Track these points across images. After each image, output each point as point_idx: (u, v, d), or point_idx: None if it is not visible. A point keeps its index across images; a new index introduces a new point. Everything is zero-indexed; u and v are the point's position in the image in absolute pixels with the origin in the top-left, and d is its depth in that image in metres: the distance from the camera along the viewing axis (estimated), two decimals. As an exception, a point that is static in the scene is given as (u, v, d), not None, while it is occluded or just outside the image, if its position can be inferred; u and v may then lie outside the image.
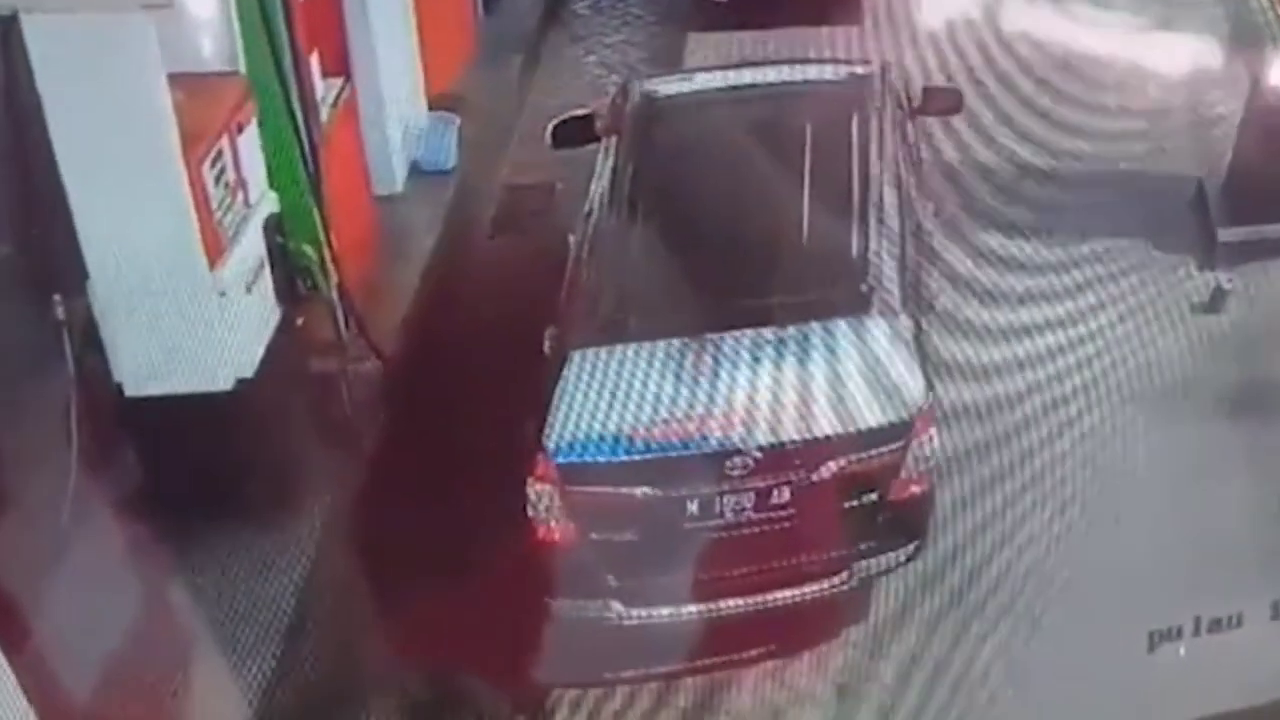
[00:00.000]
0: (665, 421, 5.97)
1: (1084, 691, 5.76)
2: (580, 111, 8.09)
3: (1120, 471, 6.72)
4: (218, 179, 6.55)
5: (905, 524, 6.13)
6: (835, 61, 8.34)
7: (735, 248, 6.54)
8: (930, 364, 6.47)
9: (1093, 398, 7.13)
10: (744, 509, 5.94)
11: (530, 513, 5.98)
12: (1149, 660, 5.77)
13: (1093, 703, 5.71)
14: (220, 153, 6.59)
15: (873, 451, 5.96)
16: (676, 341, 6.23)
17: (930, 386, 6.25)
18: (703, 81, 7.86)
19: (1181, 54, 9.07)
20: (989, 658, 6.02)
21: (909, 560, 6.18)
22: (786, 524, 5.97)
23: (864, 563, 6.09)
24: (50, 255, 6.12)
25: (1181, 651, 5.77)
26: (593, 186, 7.24)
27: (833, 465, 5.92)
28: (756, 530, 5.97)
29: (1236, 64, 8.89)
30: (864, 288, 6.42)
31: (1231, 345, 7.36)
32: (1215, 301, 7.64)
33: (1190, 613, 5.78)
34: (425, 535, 6.29)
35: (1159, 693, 5.65)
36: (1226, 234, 7.93)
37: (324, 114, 7.82)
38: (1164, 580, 6.10)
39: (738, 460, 5.89)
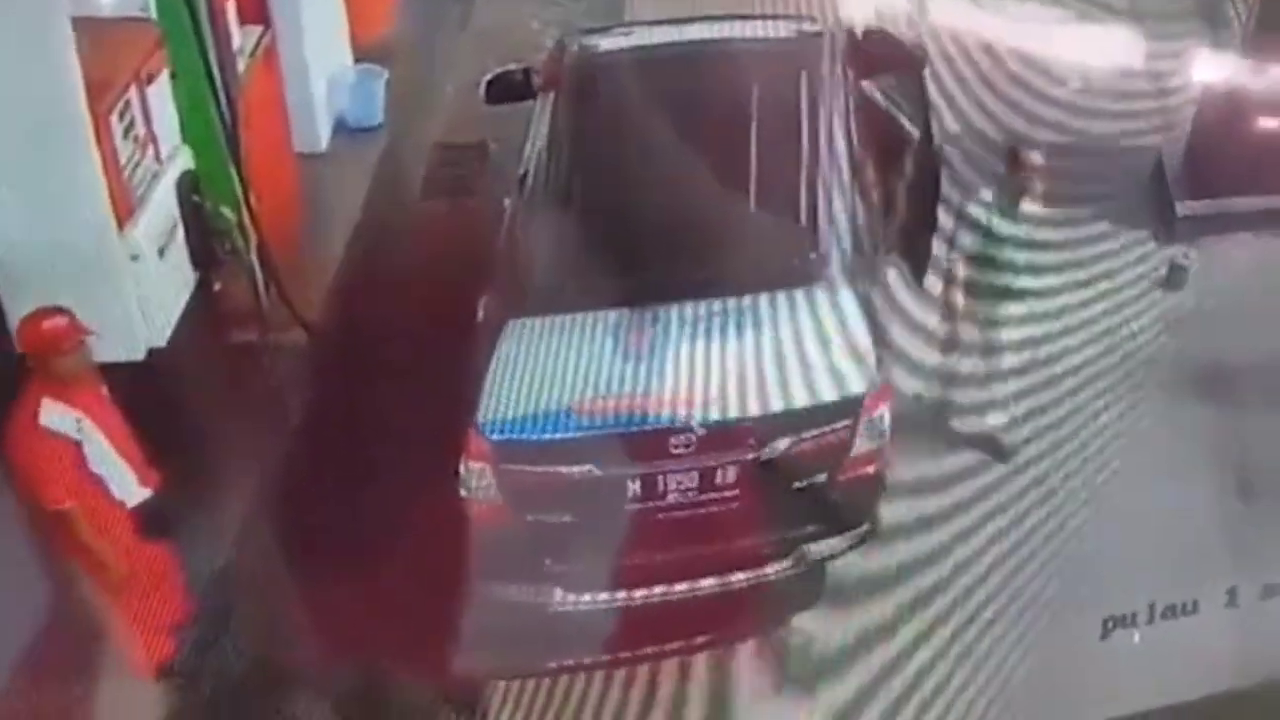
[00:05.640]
0: (606, 397, 5.96)
1: (1035, 679, 5.85)
2: (515, 66, 8.02)
3: (1075, 454, 6.80)
4: (126, 133, 6.47)
5: (855, 505, 6.15)
6: (784, 18, 8.29)
7: (678, 214, 6.51)
8: (882, 337, 6.47)
9: (1048, 376, 7.17)
10: (688, 489, 5.93)
11: (463, 493, 5.93)
12: (1103, 647, 5.86)
13: (1044, 691, 5.80)
14: (129, 104, 6.50)
15: (821, 429, 5.97)
16: (617, 312, 6.22)
17: (881, 361, 6.25)
18: (645, 37, 7.80)
19: (1140, 29, 9.14)
20: (940, 645, 6.07)
21: (860, 543, 6.20)
22: (732, 505, 5.97)
23: (812, 546, 6.10)
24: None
25: (1136, 639, 5.86)
26: (528, 147, 7.17)
27: (780, 444, 5.92)
28: (701, 512, 5.97)
29: (1197, 38, 8.99)
30: (813, 257, 6.41)
31: (1190, 324, 7.46)
32: (1174, 278, 7.73)
33: (1145, 599, 5.87)
34: (353, 516, 6.25)
35: (1113, 681, 5.72)
36: (1185, 208, 8.02)
37: (241, 64, 7.68)
38: (1118, 565, 6.18)
39: (681, 438, 5.88)
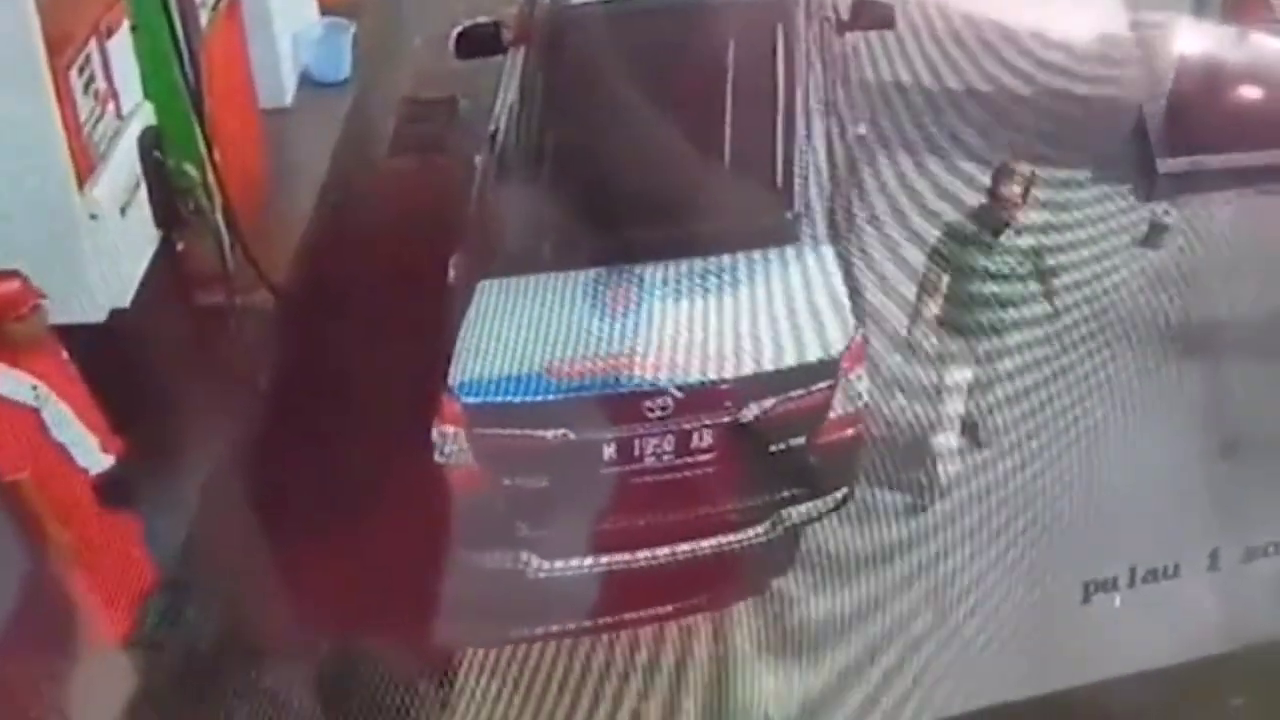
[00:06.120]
0: (580, 359, 5.92)
1: (1015, 645, 5.81)
2: (485, 20, 7.89)
3: (1054, 416, 6.73)
4: (86, 88, 6.38)
5: (834, 469, 6.10)
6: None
7: (652, 172, 6.40)
8: (859, 296, 6.40)
9: (1025, 337, 7.07)
10: (664, 453, 5.88)
11: (436, 457, 5.88)
12: (1083, 612, 5.84)
13: (1024, 657, 5.76)
14: (89, 59, 6.41)
15: (799, 391, 5.92)
16: (591, 272, 6.16)
17: (860, 321, 6.20)
18: None
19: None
20: (919, 608, 6.03)
21: (838, 507, 6.15)
22: (708, 469, 5.92)
23: (790, 510, 6.05)
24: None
25: (1117, 603, 5.85)
26: (499, 102, 7.09)
27: (757, 406, 5.88)
28: (677, 476, 5.92)
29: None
30: (789, 216, 6.36)
31: (1170, 281, 7.38)
32: (1154, 236, 7.67)
33: (1125, 562, 5.85)
34: (322, 483, 6.17)
35: (1094, 646, 5.71)
36: (1166, 165, 7.96)
37: (204, 17, 7.54)
38: (1098, 528, 6.13)
39: (657, 401, 5.83)
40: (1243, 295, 7.14)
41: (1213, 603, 5.76)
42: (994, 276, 6.49)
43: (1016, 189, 6.42)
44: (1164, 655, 5.50)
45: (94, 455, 5.56)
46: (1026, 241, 6.55)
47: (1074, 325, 7.05)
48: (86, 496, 5.54)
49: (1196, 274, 7.41)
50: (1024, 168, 6.51)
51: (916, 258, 6.87)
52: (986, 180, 6.69)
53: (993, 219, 6.49)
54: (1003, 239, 6.47)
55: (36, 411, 5.39)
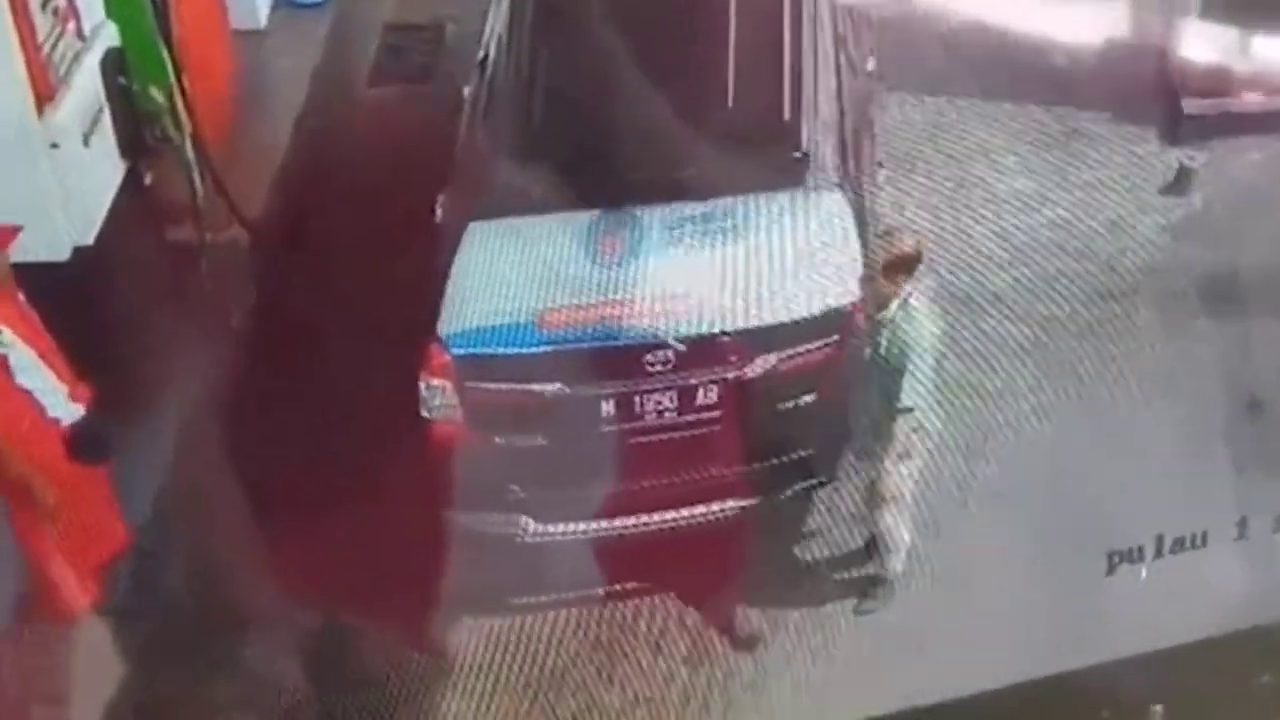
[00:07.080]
0: (576, 308, 5.78)
1: (1035, 619, 5.67)
2: (474, -63, 7.67)
3: (1074, 377, 6.53)
4: (44, 4, 6.20)
5: (845, 428, 5.92)
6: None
7: (652, 106, 6.19)
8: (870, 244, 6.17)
9: (1041, 291, 6.85)
10: (666, 410, 5.74)
11: (424, 413, 5.74)
12: (1107, 584, 5.71)
13: (1048, 631, 5.63)
14: None
15: (809, 344, 5.78)
16: (588, 214, 6.01)
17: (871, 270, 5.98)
18: None
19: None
20: (937, 581, 5.87)
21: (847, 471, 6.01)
22: (713, 428, 5.78)
23: (799, 471, 5.88)
24: None
25: (1142, 575, 5.72)
26: (489, 28, 6.93)
27: (764, 360, 5.73)
28: (681, 435, 5.78)
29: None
30: (797, 156, 6.20)
31: (1197, 230, 7.20)
32: (1180, 181, 7.47)
33: (1151, 532, 5.71)
34: (301, 438, 6.02)
35: (1118, 620, 5.57)
36: (1192, 106, 7.75)
37: (171, -71, 7.32)
38: (1122, 497, 5.96)
39: (658, 354, 5.70)
40: (1272, 244, 6.95)
41: (1242, 573, 5.65)
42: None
43: (881, 259, 5.71)
44: (1191, 629, 5.40)
45: (63, 404, 5.36)
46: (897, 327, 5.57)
47: (1092, 276, 6.85)
48: (57, 450, 5.35)
49: (1224, 222, 7.23)
50: (903, 245, 5.70)
51: (929, 201, 6.64)
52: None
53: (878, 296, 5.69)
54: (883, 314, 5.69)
55: (4, 358, 5.19)
